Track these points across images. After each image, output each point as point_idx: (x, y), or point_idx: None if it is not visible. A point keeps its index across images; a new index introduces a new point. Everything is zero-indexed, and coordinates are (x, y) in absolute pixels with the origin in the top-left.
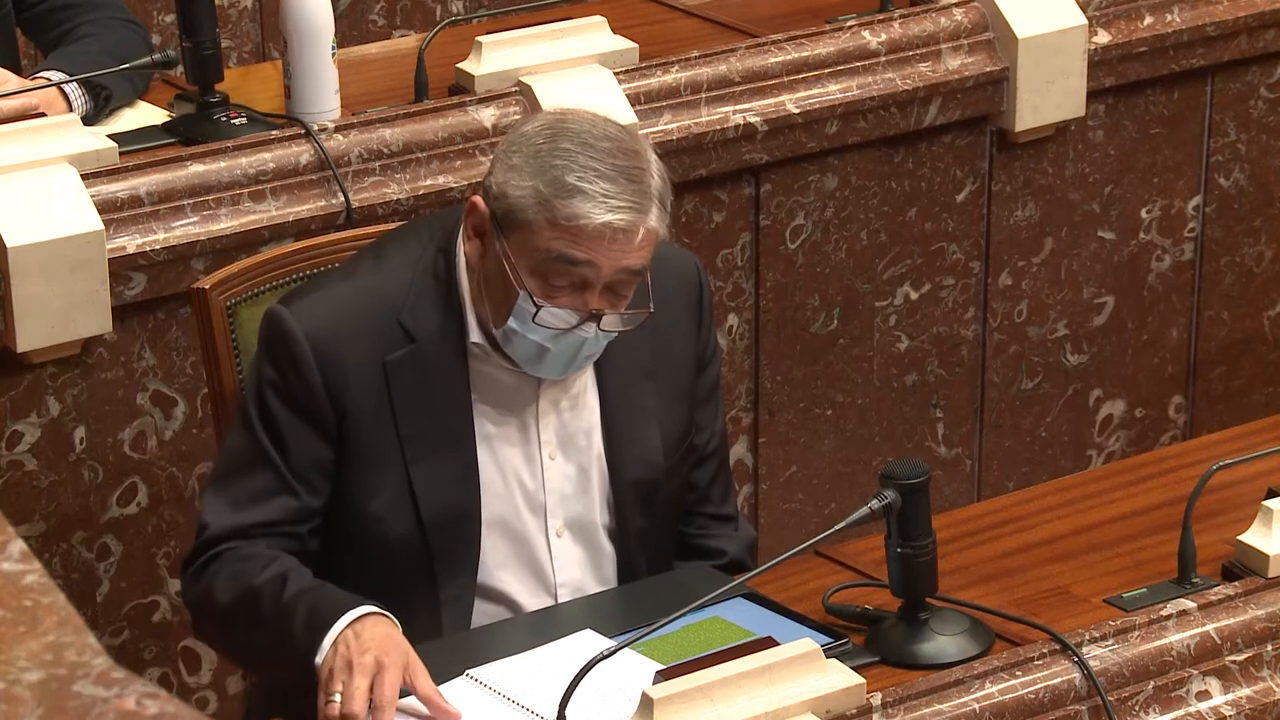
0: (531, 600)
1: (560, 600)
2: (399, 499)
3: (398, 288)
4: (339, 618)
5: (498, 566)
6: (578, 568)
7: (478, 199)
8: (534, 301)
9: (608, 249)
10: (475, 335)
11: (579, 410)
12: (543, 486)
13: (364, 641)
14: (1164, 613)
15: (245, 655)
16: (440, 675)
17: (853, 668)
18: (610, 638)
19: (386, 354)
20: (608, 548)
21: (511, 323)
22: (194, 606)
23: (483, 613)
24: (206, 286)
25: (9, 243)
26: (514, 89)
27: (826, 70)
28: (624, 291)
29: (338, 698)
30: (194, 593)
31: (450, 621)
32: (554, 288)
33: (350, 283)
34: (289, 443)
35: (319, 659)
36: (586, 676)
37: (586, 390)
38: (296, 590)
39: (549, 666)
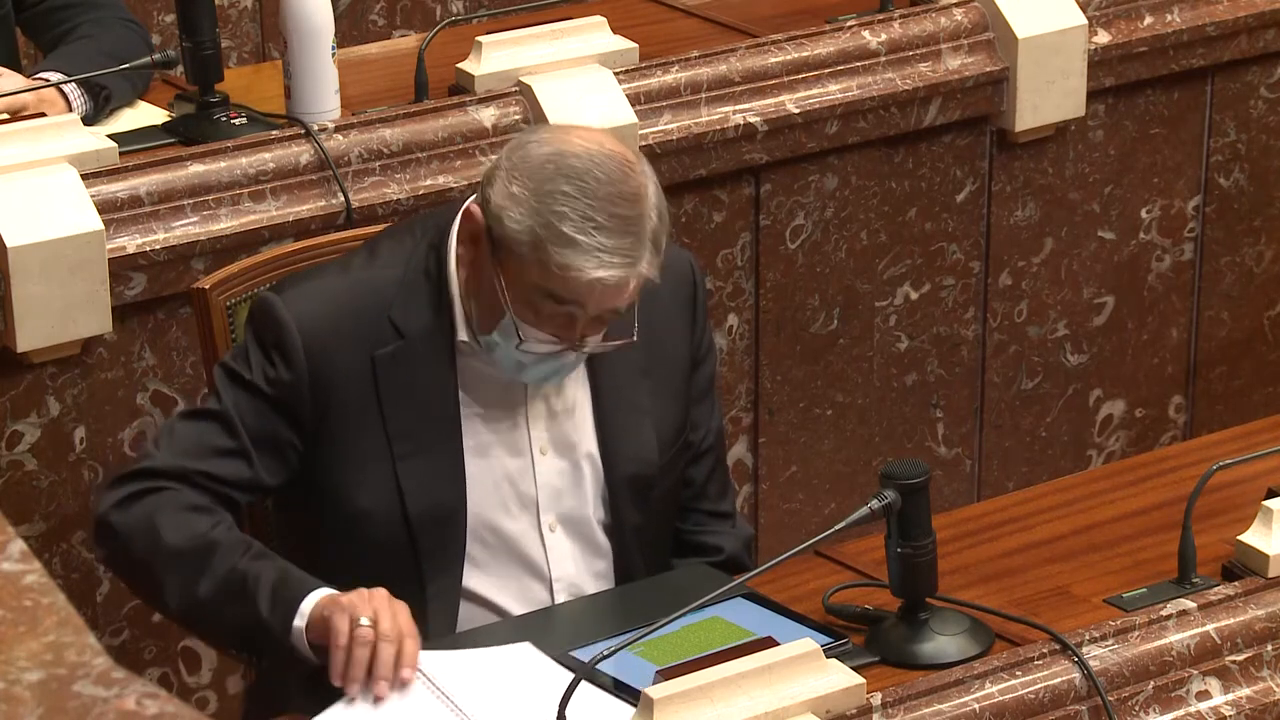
0: (523, 596)
1: (556, 595)
2: (385, 495)
3: (389, 283)
4: (314, 589)
5: (485, 563)
6: (572, 562)
7: (474, 209)
8: (519, 333)
9: (598, 298)
10: (463, 333)
11: (571, 407)
12: (534, 482)
13: (363, 592)
14: (1164, 613)
15: (177, 600)
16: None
17: (853, 668)
18: (563, 648)
19: (375, 349)
20: (603, 543)
21: (495, 336)
22: (121, 529)
23: (469, 612)
24: (206, 286)
25: (9, 243)
26: (514, 89)
27: (826, 70)
28: (609, 319)
29: (366, 621)
30: (123, 516)
31: (436, 621)
32: (540, 315)
33: (343, 276)
34: (253, 415)
35: (299, 621)
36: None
37: (579, 387)
38: (261, 552)
39: (479, 669)
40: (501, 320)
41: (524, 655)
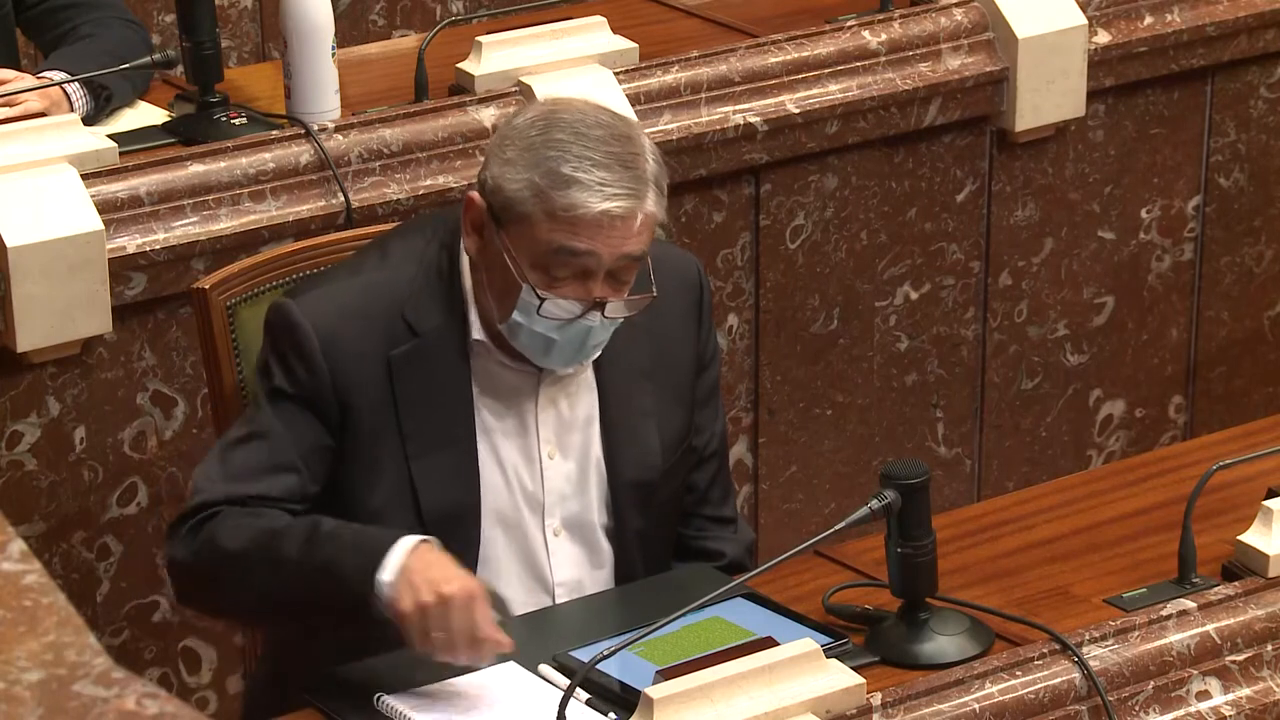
0: (529, 599)
1: (558, 600)
2: (399, 494)
3: (402, 283)
4: (396, 541)
5: (497, 565)
6: (575, 567)
7: (474, 195)
8: (537, 294)
9: (607, 237)
10: (478, 332)
11: (578, 409)
12: (542, 486)
13: (441, 570)
14: (1164, 613)
15: (256, 599)
16: (426, 679)
17: (853, 668)
18: (544, 662)
19: (391, 349)
20: (606, 547)
21: (516, 316)
22: (188, 562)
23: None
24: (206, 286)
25: (9, 243)
26: (514, 89)
27: (826, 70)
28: (626, 278)
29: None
30: (187, 549)
31: None
32: (556, 279)
33: (357, 278)
34: (294, 426)
35: (385, 575)
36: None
37: (586, 389)
38: (333, 526)
39: (461, 697)
40: (519, 297)
41: (509, 674)
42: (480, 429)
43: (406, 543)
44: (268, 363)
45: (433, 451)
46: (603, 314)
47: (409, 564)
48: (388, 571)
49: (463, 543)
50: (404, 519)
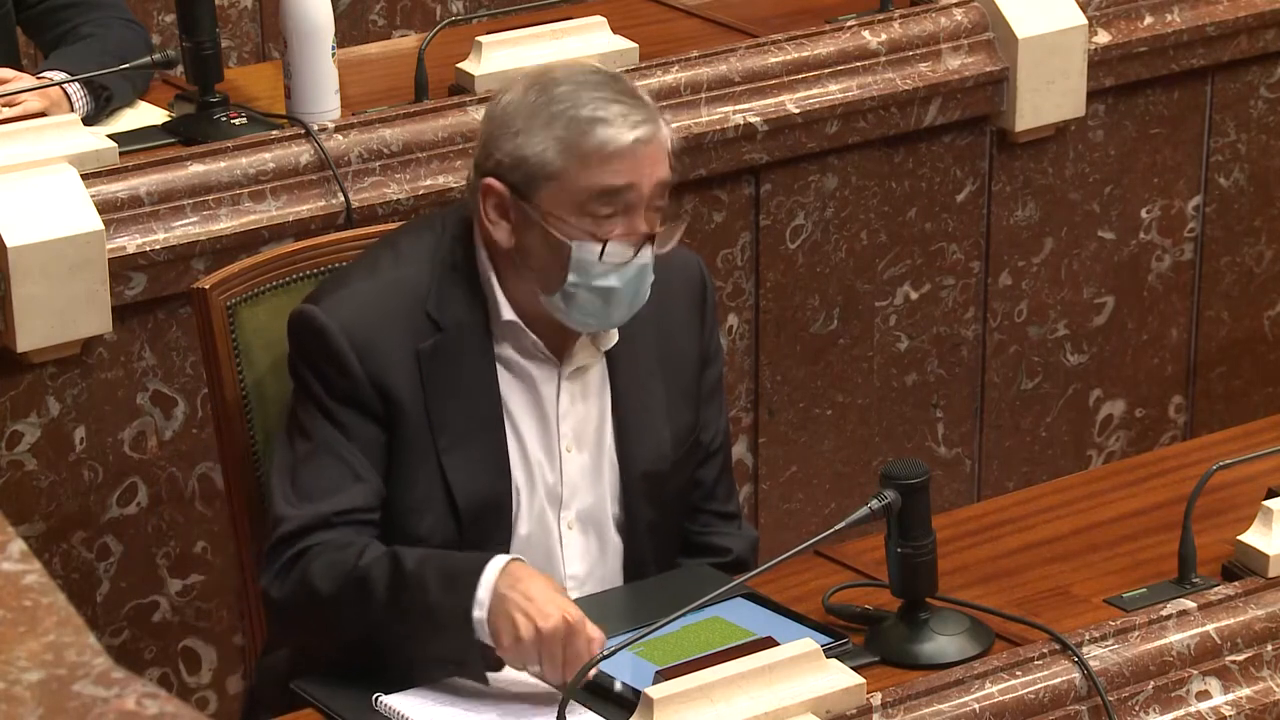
0: None
1: (567, 593)
2: (433, 488)
3: (421, 279)
4: (481, 572)
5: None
6: (587, 560)
7: (491, 180)
8: (596, 238)
9: (642, 165)
10: (508, 313)
11: (593, 403)
12: (560, 479)
13: (539, 602)
14: (1164, 613)
15: (356, 643)
16: (425, 679)
17: (853, 668)
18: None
19: (418, 344)
20: (616, 540)
21: (571, 278)
22: (285, 603)
23: None
24: (206, 286)
25: (9, 243)
26: None
27: (826, 70)
28: (661, 205)
29: (536, 669)
30: (283, 590)
31: None
32: (604, 221)
33: (374, 278)
34: (350, 433)
35: (479, 613)
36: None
37: (600, 384)
38: (416, 561)
39: (460, 697)
40: (569, 259)
41: (509, 674)
42: (507, 421)
43: (494, 568)
44: (302, 374)
45: (463, 444)
46: (654, 246)
47: (503, 592)
48: (480, 608)
49: (496, 534)
50: (438, 514)
